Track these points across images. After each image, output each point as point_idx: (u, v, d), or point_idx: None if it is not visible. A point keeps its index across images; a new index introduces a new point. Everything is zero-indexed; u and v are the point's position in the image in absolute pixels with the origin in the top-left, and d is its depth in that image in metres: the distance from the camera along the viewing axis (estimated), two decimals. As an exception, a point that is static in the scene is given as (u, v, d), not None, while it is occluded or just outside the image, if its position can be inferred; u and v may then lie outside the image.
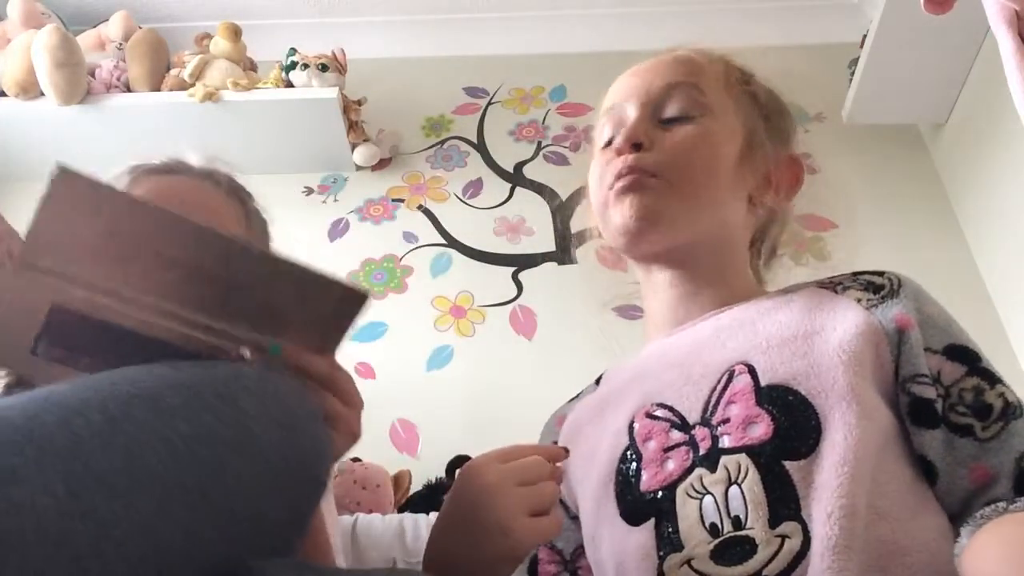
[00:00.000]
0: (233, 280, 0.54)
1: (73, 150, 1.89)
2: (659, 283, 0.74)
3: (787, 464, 0.54)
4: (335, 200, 1.97)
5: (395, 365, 1.68)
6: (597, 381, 0.79)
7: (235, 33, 1.89)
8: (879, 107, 1.86)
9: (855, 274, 0.68)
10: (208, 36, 1.93)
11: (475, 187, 1.98)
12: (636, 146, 0.70)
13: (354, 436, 0.61)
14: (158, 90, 1.84)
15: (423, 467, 1.50)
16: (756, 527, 0.52)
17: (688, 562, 0.54)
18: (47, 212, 0.48)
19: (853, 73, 1.85)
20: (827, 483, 0.52)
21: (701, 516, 0.55)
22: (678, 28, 2.21)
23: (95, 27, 1.98)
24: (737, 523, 0.53)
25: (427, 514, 1.09)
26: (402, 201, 1.96)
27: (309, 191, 1.98)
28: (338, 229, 1.92)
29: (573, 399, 0.79)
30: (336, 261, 1.85)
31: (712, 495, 0.55)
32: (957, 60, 1.76)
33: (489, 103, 2.14)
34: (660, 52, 0.78)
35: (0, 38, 1.86)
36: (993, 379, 0.59)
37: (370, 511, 1.21)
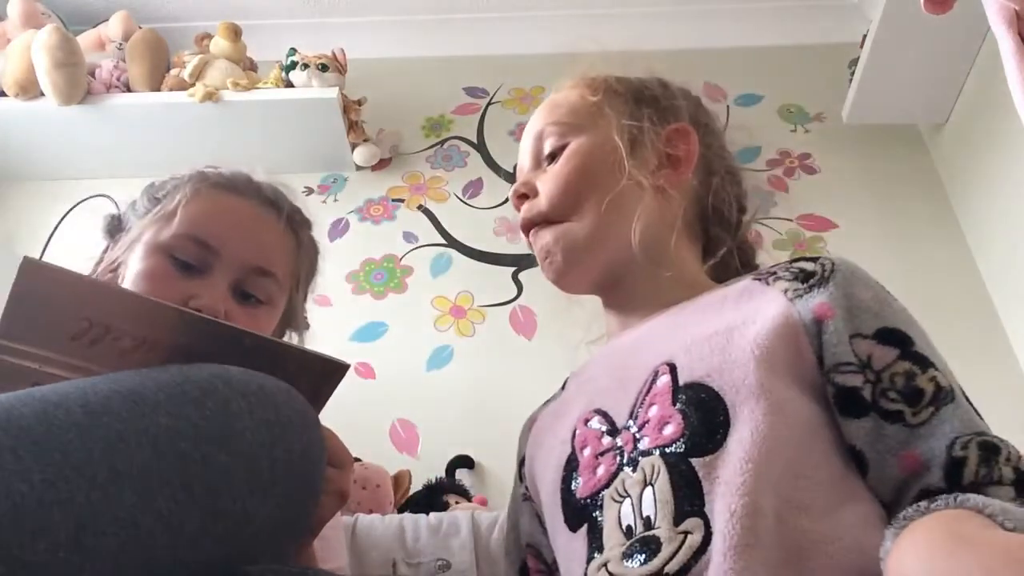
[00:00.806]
0: (208, 355, 0.54)
1: (73, 150, 1.89)
2: (604, 304, 0.78)
3: (693, 461, 0.53)
4: (335, 200, 1.97)
5: (395, 365, 1.68)
6: (564, 385, 0.79)
7: (235, 33, 1.89)
8: (879, 107, 1.86)
9: (792, 261, 0.66)
10: (208, 36, 1.93)
11: (475, 187, 1.98)
12: (523, 196, 0.77)
13: (343, 497, 0.61)
14: (158, 90, 1.84)
15: (423, 467, 1.50)
16: (662, 526, 0.52)
17: (605, 565, 0.54)
18: (16, 300, 0.49)
19: (853, 73, 1.85)
20: (731, 480, 0.51)
21: (619, 519, 0.56)
22: (678, 28, 2.21)
23: (95, 27, 1.98)
24: (648, 523, 0.53)
25: (427, 514, 1.09)
26: (402, 201, 1.96)
27: (309, 191, 1.97)
28: (338, 229, 1.92)
29: (546, 403, 0.80)
30: (336, 261, 1.85)
31: (630, 497, 0.56)
32: (957, 60, 1.76)
33: (489, 103, 2.14)
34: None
35: (0, 38, 1.86)
36: (926, 363, 0.57)
37: (370, 511, 1.21)
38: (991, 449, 0.53)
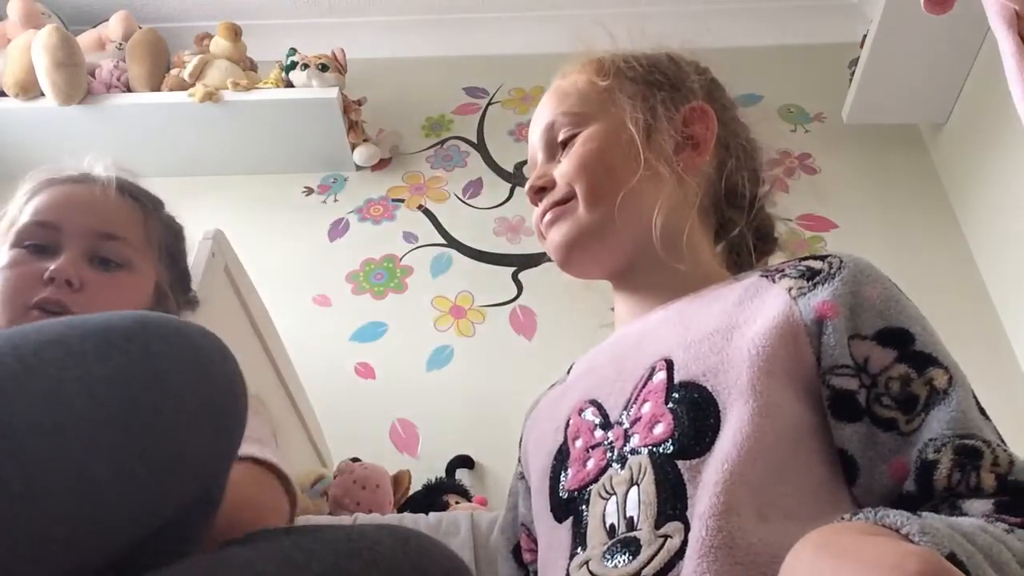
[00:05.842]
0: None
1: (73, 150, 1.89)
2: (614, 288, 0.76)
3: (679, 463, 0.52)
4: (335, 200, 1.97)
5: (395, 365, 1.68)
6: (569, 370, 0.79)
7: (235, 33, 1.89)
8: (879, 107, 1.86)
9: (801, 259, 0.63)
10: (208, 36, 1.93)
11: (475, 187, 1.98)
12: (541, 189, 0.74)
13: None
14: (158, 90, 1.84)
15: (423, 467, 1.50)
16: (644, 528, 0.51)
17: (587, 563, 0.54)
18: None
19: (853, 73, 1.85)
20: (708, 480, 0.50)
21: (603, 517, 0.55)
22: (677, 29, 2.21)
23: (95, 27, 1.98)
24: (630, 524, 0.52)
25: (427, 514, 1.09)
26: (402, 201, 1.96)
27: (309, 191, 1.98)
28: (338, 229, 1.92)
29: (551, 386, 0.79)
30: (336, 261, 1.85)
31: (616, 495, 0.55)
32: (957, 60, 1.76)
33: (489, 103, 2.14)
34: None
35: (0, 38, 1.86)
36: (926, 362, 0.53)
37: (370, 511, 1.21)
38: (969, 453, 0.49)
